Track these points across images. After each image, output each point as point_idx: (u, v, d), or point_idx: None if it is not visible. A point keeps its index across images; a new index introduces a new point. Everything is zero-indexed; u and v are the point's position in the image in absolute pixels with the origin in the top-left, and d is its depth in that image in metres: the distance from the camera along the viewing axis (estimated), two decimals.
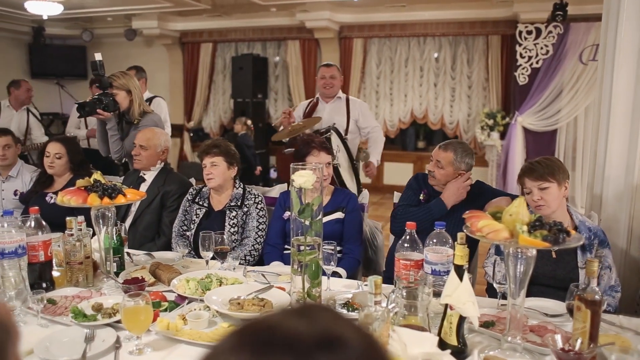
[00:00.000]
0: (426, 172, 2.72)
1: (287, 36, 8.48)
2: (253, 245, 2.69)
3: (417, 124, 8.31)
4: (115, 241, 2.17)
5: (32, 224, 1.96)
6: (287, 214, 2.73)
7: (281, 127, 3.80)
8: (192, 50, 9.15)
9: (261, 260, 2.71)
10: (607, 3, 2.60)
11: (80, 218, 2.11)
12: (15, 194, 3.28)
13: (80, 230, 2.09)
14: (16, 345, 0.69)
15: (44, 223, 1.99)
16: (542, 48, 6.79)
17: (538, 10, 6.67)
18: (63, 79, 8.64)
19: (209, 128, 9.31)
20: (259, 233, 2.72)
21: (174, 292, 1.98)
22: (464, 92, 7.87)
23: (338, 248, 2.42)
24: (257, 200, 2.79)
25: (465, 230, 1.58)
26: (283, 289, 2.02)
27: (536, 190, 2.18)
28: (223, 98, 9.17)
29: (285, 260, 2.65)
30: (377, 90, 8.28)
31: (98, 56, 3.09)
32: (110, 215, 2.04)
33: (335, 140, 3.51)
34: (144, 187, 3.03)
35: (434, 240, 1.76)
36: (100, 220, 2.02)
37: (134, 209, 3.01)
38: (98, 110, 3.13)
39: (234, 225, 2.72)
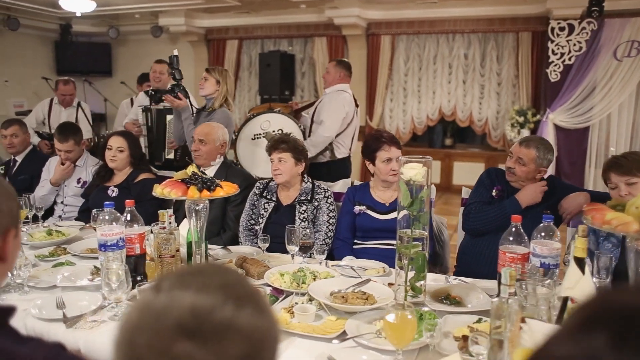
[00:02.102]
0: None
1: (314, 33, 8.44)
2: (324, 240, 2.69)
3: (444, 121, 8.26)
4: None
5: (128, 217, 1.96)
6: (357, 208, 2.73)
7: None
8: (217, 47, 9.14)
9: (330, 255, 2.70)
10: None
11: (170, 211, 2.11)
12: (78, 182, 3.34)
13: (170, 223, 2.09)
14: None
15: (139, 216, 1.99)
16: (575, 45, 6.74)
17: (571, 6, 6.60)
18: (88, 76, 8.66)
19: (234, 124, 9.30)
20: (330, 227, 2.72)
21: (269, 286, 1.98)
22: (493, 89, 7.82)
23: None
24: (326, 194, 2.78)
25: (585, 223, 1.57)
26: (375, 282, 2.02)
27: (623, 185, 2.16)
28: (249, 95, 9.17)
29: (356, 254, 2.64)
30: (405, 87, 8.24)
31: (175, 52, 3.51)
32: (202, 208, 2.04)
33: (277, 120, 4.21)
34: None
35: (542, 234, 1.75)
36: (194, 214, 2.02)
37: None
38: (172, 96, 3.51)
39: (304, 219, 2.71)
